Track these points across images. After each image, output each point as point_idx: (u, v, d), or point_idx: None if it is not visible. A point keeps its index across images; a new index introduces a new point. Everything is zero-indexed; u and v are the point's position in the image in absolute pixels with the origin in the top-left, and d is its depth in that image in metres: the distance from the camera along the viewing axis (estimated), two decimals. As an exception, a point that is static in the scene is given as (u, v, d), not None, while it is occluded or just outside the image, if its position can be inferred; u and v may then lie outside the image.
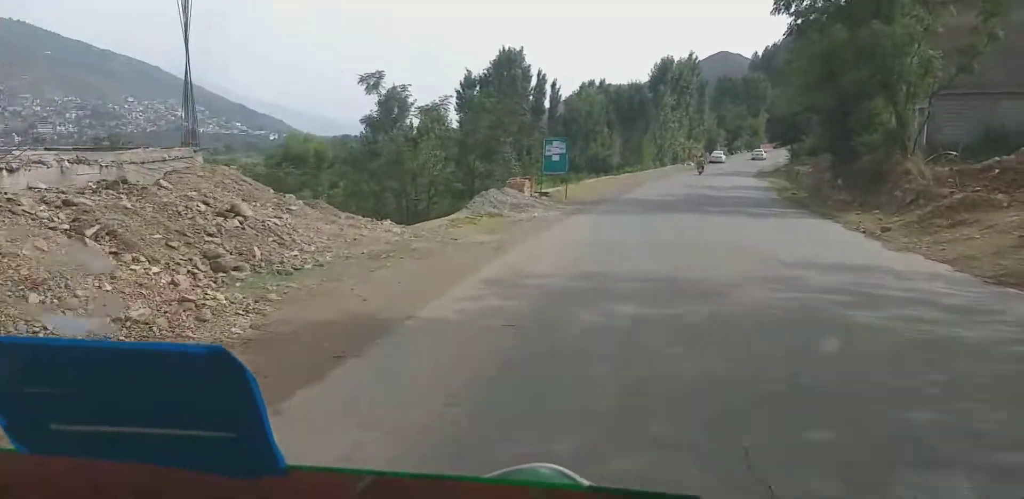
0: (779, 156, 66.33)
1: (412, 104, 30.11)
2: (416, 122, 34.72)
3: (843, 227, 17.79)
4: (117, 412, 0.64)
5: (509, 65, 62.24)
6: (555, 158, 25.17)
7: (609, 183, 38.87)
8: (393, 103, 39.58)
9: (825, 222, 19.01)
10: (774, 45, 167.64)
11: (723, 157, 68.18)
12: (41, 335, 5.45)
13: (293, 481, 0.68)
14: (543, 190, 28.00)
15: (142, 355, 0.64)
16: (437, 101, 32.17)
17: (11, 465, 0.74)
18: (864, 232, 16.39)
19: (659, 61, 68.17)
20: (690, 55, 70.43)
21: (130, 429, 0.64)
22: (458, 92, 63.73)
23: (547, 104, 67.24)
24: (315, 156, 46.06)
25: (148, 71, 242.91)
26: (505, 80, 62.85)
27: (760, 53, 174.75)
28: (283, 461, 0.65)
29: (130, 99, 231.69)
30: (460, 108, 58.69)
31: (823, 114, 25.93)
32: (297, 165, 44.03)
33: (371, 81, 28.08)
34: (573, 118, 64.81)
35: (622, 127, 66.80)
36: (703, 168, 52.11)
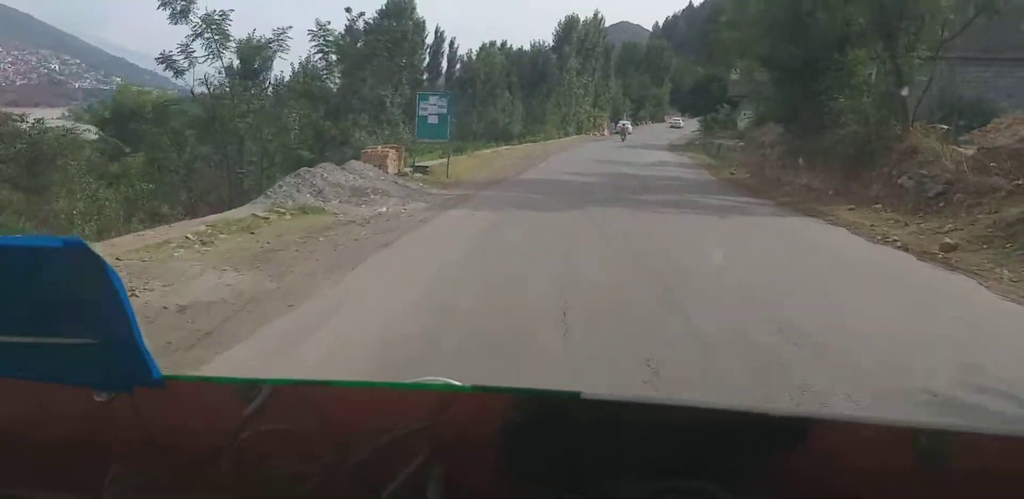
0: (690, 127, 60.85)
1: (230, 38, 21.08)
2: (287, 75, 26.21)
3: (854, 234, 11.07)
4: None
5: (398, 16, 53.33)
6: (432, 120, 17.49)
7: (508, 155, 31.50)
8: (254, 52, 30.89)
9: (818, 225, 12.25)
10: (674, 16, 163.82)
11: (630, 127, 61.90)
12: None
13: (172, 392, 0.63)
14: (419, 163, 20.31)
15: None
16: (273, 35, 23.13)
17: None
18: (905, 249, 9.67)
19: (564, 19, 60.60)
20: (595, 15, 62.75)
21: None
22: (339, 45, 54.49)
23: (444, 65, 58.81)
24: (155, 113, 36.52)
25: (17, 18, 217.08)
26: (394, 33, 53.95)
27: (660, 23, 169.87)
28: (157, 371, 0.60)
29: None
30: (341, 61, 49.74)
31: (780, 71, 19.26)
32: (135, 123, 34.56)
33: (176, 6, 19.14)
34: (470, 80, 56.72)
35: (525, 92, 59.29)
36: (625, 136, 49.95)
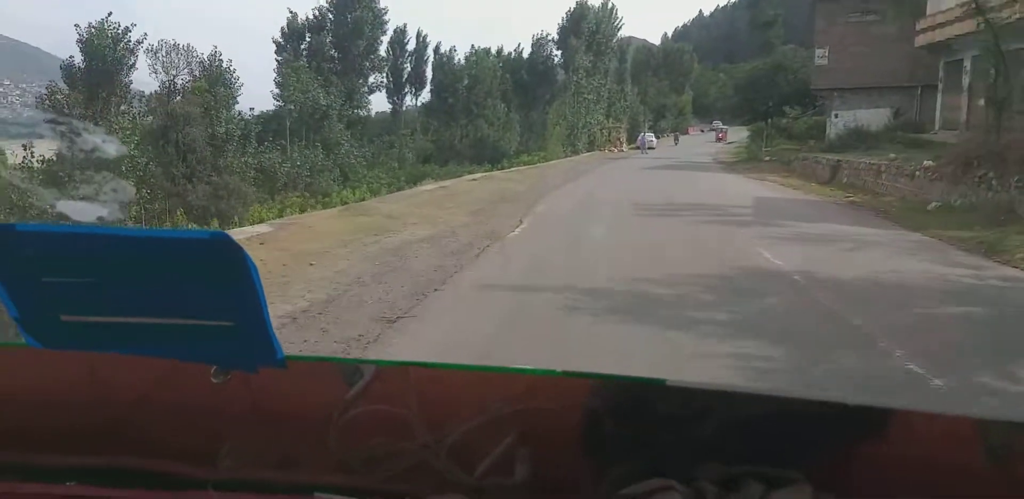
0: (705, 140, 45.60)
1: None
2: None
3: None
4: (124, 302, 0.59)
5: (354, 6, 38.54)
6: None
7: (466, 196, 16.09)
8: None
9: None
10: (684, 25, 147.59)
11: (654, 141, 46.50)
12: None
13: (292, 372, 0.65)
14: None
15: (150, 240, 0.58)
16: None
17: (24, 359, 0.70)
18: None
19: (573, 5, 45.09)
20: (606, 3, 46.89)
21: (136, 319, 0.59)
22: (279, 44, 39.71)
23: (429, 73, 43.50)
24: None
25: (26, 51, 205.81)
26: (347, 27, 39.11)
27: (670, 35, 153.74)
28: (281, 352, 0.62)
29: (6, 82, 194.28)
30: (280, 71, 34.95)
31: None
32: None
33: None
34: (451, 87, 41.54)
35: (522, 101, 43.99)
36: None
